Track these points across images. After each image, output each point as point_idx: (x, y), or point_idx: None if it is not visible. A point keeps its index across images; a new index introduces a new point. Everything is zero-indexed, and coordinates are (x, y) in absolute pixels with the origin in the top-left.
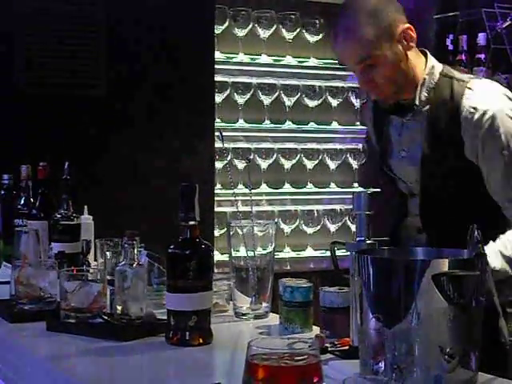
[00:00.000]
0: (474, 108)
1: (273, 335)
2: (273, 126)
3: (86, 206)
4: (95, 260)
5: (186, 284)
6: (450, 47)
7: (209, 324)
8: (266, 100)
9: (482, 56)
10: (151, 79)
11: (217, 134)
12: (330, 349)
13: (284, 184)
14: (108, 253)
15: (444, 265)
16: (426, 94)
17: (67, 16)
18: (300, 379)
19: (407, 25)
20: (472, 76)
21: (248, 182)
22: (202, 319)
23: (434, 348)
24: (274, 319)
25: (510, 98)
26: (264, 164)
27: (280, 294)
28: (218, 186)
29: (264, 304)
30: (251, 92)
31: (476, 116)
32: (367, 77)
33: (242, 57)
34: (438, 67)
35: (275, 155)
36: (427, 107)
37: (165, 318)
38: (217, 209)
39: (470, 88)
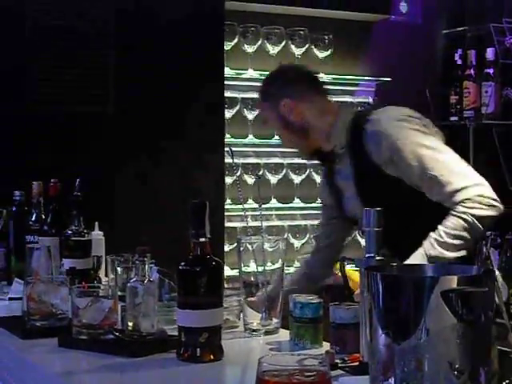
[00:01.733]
0: (371, 132)
1: (283, 351)
2: None
3: (96, 223)
4: (106, 276)
5: (197, 300)
6: (459, 62)
7: (219, 340)
8: None
9: (491, 71)
10: (161, 95)
11: (227, 149)
12: (340, 365)
13: (294, 199)
14: (119, 268)
15: (453, 281)
16: (344, 138)
17: (79, 33)
18: None
19: (286, 99)
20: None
21: (258, 199)
22: (212, 336)
23: (443, 364)
24: (284, 335)
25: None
26: (273, 179)
27: (290, 310)
28: (228, 201)
29: (274, 320)
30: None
31: (373, 137)
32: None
33: (251, 72)
34: (350, 116)
35: (284, 170)
36: (345, 149)
37: (176, 334)
38: (227, 224)
39: (368, 118)
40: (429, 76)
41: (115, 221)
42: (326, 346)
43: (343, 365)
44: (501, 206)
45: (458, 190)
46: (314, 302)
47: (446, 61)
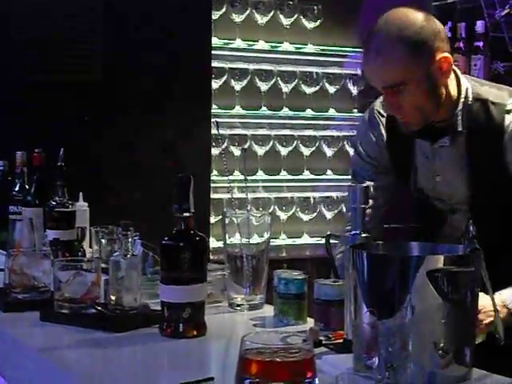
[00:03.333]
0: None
1: (267, 327)
2: (269, 112)
3: (81, 193)
4: (90, 247)
5: (181, 276)
6: (449, 34)
7: (203, 316)
8: (263, 86)
9: (481, 44)
10: (147, 65)
11: (213, 120)
12: (324, 342)
13: (280, 171)
14: (103, 240)
15: (439, 261)
16: (460, 118)
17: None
18: (293, 374)
19: (446, 54)
20: (504, 92)
21: (244, 172)
22: (196, 311)
23: (428, 344)
24: (268, 310)
25: None
26: (260, 151)
27: (274, 286)
28: (214, 172)
29: (259, 295)
30: (248, 78)
31: None
32: (395, 103)
33: (239, 43)
34: (469, 89)
35: (272, 142)
36: (463, 132)
37: (159, 308)
38: (213, 195)
39: (508, 112)
40: None
41: (100, 192)
42: (310, 322)
43: (327, 342)
44: None
45: None
46: (299, 278)
47: None
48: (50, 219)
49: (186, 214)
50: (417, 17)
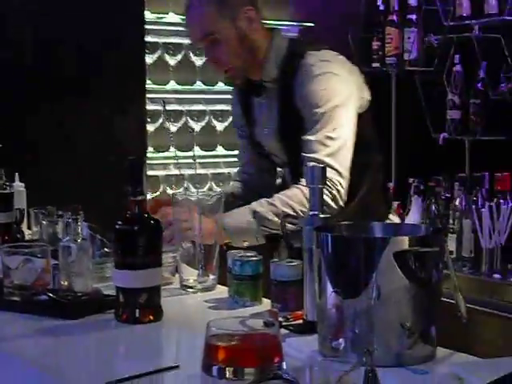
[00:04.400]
0: (311, 65)
1: (222, 309)
2: (205, 87)
3: (16, 174)
4: (29, 229)
5: (136, 260)
6: (382, 7)
7: (159, 301)
8: (198, 61)
9: (414, 17)
10: (79, 40)
11: (151, 96)
12: (283, 324)
13: (217, 146)
14: (44, 222)
15: (404, 242)
16: (277, 71)
17: None
18: (262, 359)
19: (249, 6)
20: (321, 49)
21: (193, 152)
22: (152, 296)
23: (394, 324)
24: (221, 291)
25: (342, 67)
26: (196, 126)
27: (229, 267)
28: (150, 149)
29: (211, 276)
30: (182, 53)
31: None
32: (212, 53)
33: (172, 16)
34: (284, 44)
35: (207, 117)
36: (275, 84)
37: (110, 293)
38: (149, 172)
39: (307, 58)
40: (351, 21)
41: (36, 172)
42: (266, 302)
43: (286, 323)
44: (336, 208)
45: (317, 161)
46: (254, 259)
47: (369, 6)
48: None
49: (140, 198)
50: None
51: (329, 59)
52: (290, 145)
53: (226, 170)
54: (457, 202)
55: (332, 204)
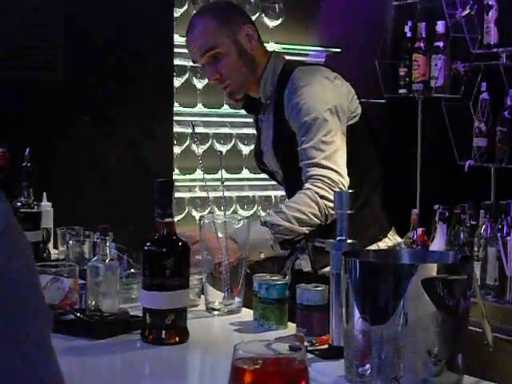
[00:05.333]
0: (298, 77)
1: (248, 332)
2: (231, 111)
3: (44, 193)
4: (55, 248)
5: (163, 282)
6: (409, 34)
7: (185, 322)
8: None
9: (441, 44)
10: (110, 63)
11: (177, 119)
12: (309, 348)
13: (242, 169)
14: (71, 242)
15: (432, 269)
16: (272, 89)
17: None
18: None
19: (249, 24)
20: (314, 65)
21: (221, 176)
22: (178, 317)
23: (421, 351)
24: (246, 314)
25: (328, 78)
26: (223, 149)
27: (255, 291)
28: (176, 171)
29: (237, 299)
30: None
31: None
32: (213, 69)
33: None
34: (281, 64)
35: (233, 140)
36: (271, 101)
37: (137, 313)
38: (175, 194)
39: (295, 72)
40: (378, 48)
41: (63, 192)
42: (291, 326)
43: (312, 348)
44: None
45: (314, 165)
46: (280, 282)
47: (396, 33)
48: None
49: (169, 220)
50: (224, 1)
51: (315, 72)
52: (285, 160)
53: (250, 193)
54: (482, 230)
55: None
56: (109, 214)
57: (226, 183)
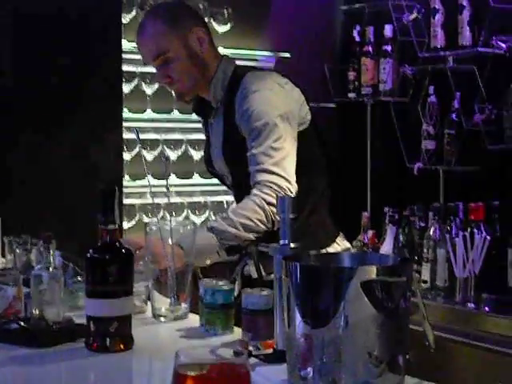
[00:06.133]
0: (249, 82)
1: (194, 338)
2: (182, 116)
3: None
4: (3, 257)
5: (107, 289)
6: (357, 38)
7: (130, 329)
8: None
9: (389, 48)
10: (58, 69)
11: (127, 125)
12: (253, 353)
13: (193, 175)
14: (18, 250)
15: (372, 271)
16: (222, 93)
17: None
18: None
19: (200, 27)
20: (265, 70)
21: (166, 181)
22: (123, 325)
23: (362, 353)
24: (193, 320)
25: (279, 84)
26: (173, 155)
27: (200, 296)
28: (126, 177)
29: (183, 305)
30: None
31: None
32: (164, 72)
33: None
34: (231, 67)
35: (184, 146)
36: (221, 104)
37: (83, 321)
38: (125, 201)
39: (246, 77)
40: (327, 52)
41: (9, 200)
42: (238, 331)
43: (257, 353)
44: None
45: (263, 170)
46: (225, 288)
47: (345, 37)
48: None
49: (112, 227)
50: (175, 2)
51: (266, 77)
52: (234, 165)
53: (202, 199)
54: (431, 232)
55: None
56: (58, 222)
57: (177, 189)
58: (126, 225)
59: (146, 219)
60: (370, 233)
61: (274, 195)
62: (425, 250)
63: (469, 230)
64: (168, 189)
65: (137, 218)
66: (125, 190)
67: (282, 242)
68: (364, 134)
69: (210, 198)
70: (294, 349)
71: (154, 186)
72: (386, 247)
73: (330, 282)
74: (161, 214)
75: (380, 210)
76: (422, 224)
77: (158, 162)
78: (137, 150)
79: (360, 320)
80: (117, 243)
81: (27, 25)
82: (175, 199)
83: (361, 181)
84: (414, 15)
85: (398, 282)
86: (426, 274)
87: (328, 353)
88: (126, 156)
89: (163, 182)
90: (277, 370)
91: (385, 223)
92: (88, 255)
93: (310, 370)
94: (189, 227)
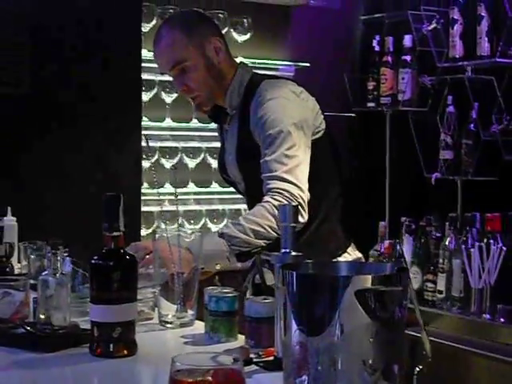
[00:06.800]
0: (264, 90)
1: (198, 345)
2: (200, 125)
3: (9, 208)
4: (19, 263)
5: (110, 295)
6: (377, 48)
7: (133, 335)
8: None
9: (408, 58)
10: (77, 77)
11: (144, 134)
12: (254, 360)
13: (211, 183)
14: (32, 256)
15: (367, 280)
16: (239, 100)
17: None
18: None
19: (217, 36)
20: (281, 79)
21: (175, 189)
22: (126, 331)
23: (356, 362)
24: (199, 327)
25: (294, 93)
26: (191, 163)
27: (205, 303)
28: (145, 185)
29: (189, 312)
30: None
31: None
32: (181, 81)
33: None
34: (248, 75)
35: (202, 154)
36: (237, 111)
37: (89, 327)
38: (143, 208)
39: (262, 85)
40: (347, 62)
41: (29, 206)
42: (242, 338)
43: (258, 360)
44: (301, 220)
45: (275, 178)
46: (230, 295)
47: (364, 47)
48: None
49: (116, 233)
50: (192, 11)
51: (282, 85)
52: (247, 171)
53: (220, 207)
54: (447, 242)
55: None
56: (75, 229)
57: (195, 197)
58: (143, 232)
59: (163, 226)
60: (387, 242)
61: (286, 202)
62: (440, 261)
63: (485, 240)
64: (176, 196)
65: (154, 226)
66: (143, 198)
67: (283, 250)
68: (383, 143)
69: (228, 206)
70: (289, 357)
71: (170, 193)
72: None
73: (325, 291)
74: (179, 221)
75: (397, 219)
76: (438, 234)
77: (178, 169)
78: (156, 157)
79: (355, 328)
80: (121, 250)
81: (46, 34)
82: (194, 207)
83: (379, 190)
84: (433, 25)
85: (392, 291)
86: (441, 285)
87: (323, 361)
88: (145, 164)
89: (180, 189)
90: (274, 377)
91: (401, 233)
92: (92, 261)
93: (305, 377)
94: (195, 235)
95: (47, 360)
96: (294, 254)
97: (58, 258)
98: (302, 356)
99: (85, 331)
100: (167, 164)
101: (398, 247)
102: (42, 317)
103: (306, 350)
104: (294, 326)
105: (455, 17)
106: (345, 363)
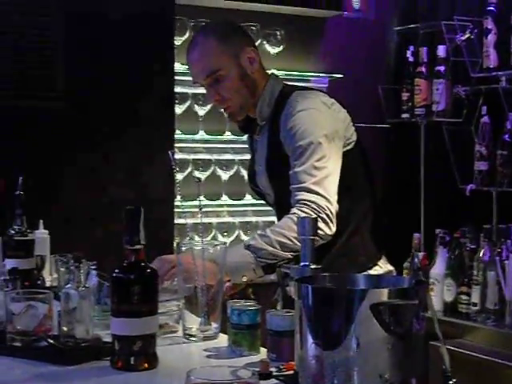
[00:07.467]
0: (295, 101)
1: (220, 358)
2: (233, 137)
3: (41, 221)
4: (50, 275)
5: (131, 308)
6: (411, 59)
7: (154, 348)
8: None
9: (442, 68)
10: (110, 90)
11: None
12: (274, 373)
13: (245, 195)
14: (62, 269)
15: (383, 294)
16: (269, 111)
17: (24, 27)
18: None
19: (251, 48)
20: (312, 90)
21: (199, 202)
22: (146, 344)
23: (373, 376)
24: (223, 340)
25: (325, 104)
26: (224, 175)
27: (228, 317)
28: (178, 197)
29: (214, 325)
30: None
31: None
32: (214, 91)
33: None
34: (279, 86)
35: (236, 167)
36: (267, 122)
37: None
38: (177, 220)
39: (293, 96)
40: (381, 73)
41: (59, 218)
42: (264, 351)
43: (278, 374)
44: (328, 232)
45: (303, 189)
46: (252, 308)
47: (398, 58)
48: (9, 248)
49: (137, 247)
50: (226, 21)
51: (313, 96)
52: (277, 182)
53: (253, 219)
54: (481, 254)
55: (323, 227)
56: (108, 242)
57: (229, 209)
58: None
59: (197, 238)
60: (421, 255)
61: (313, 214)
62: (475, 273)
63: None
64: (200, 209)
65: (188, 238)
66: (176, 210)
67: (302, 263)
68: (417, 154)
69: (261, 219)
70: (305, 370)
71: (204, 205)
72: (437, 269)
73: (341, 304)
74: (212, 233)
75: (431, 231)
76: (473, 246)
77: (210, 182)
78: (189, 170)
79: (371, 342)
80: (142, 263)
81: (79, 49)
82: (227, 219)
83: (413, 202)
84: (467, 35)
85: (407, 304)
86: (475, 297)
87: (339, 375)
88: (178, 176)
89: (214, 202)
90: None
91: (436, 245)
92: (113, 275)
93: None
94: (220, 247)
95: (69, 373)
96: (313, 266)
97: (82, 270)
98: (318, 370)
99: (107, 344)
100: (201, 176)
101: (416, 260)
102: (65, 329)
103: (322, 364)
104: (310, 340)
105: (489, 26)
106: (361, 377)
